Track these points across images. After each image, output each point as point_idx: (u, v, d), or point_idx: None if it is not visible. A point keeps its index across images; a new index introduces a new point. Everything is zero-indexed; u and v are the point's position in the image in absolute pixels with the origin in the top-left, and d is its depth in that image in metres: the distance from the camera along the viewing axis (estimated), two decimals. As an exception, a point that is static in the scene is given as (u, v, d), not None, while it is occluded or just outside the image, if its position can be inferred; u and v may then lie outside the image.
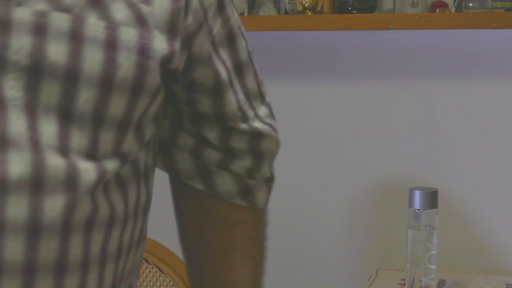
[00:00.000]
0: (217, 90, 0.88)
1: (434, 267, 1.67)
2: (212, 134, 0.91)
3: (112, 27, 0.76)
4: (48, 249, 0.74)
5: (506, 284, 1.85)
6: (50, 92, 0.74)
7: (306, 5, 1.95)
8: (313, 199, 2.12)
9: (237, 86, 0.90)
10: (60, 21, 0.74)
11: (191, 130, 0.92)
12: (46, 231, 0.73)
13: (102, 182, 0.77)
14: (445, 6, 1.95)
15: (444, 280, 1.86)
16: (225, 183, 0.93)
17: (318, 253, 2.12)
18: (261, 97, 0.95)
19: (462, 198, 2.03)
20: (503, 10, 1.91)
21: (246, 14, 2.06)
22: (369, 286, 1.85)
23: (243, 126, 0.91)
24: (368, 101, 2.06)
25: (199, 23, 0.84)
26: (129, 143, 0.80)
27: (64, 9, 0.74)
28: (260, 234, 0.98)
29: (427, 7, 1.96)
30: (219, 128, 0.90)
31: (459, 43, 1.99)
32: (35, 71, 0.73)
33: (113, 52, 0.76)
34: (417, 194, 1.66)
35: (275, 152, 0.96)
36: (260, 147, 0.93)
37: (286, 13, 2.07)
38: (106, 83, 0.76)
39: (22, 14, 0.73)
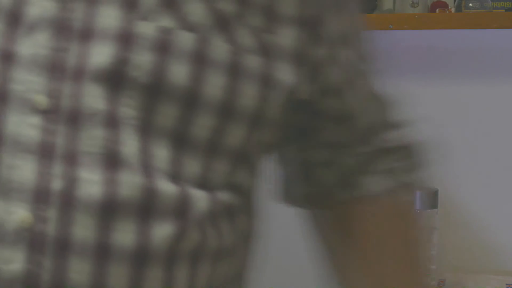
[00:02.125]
0: (347, 119, 0.84)
1: (434, 267, 1.67)
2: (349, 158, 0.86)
3: (237, 52, 0.72)
4: (153, 279, 0.69)
5: (506, 284, 1.85)
6: (167, 114, 0.70)
7: (306, 5, 1.95)
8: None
9: (370, 110, 0.87)
10: (185, 40, 0.70)
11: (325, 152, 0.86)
12: (152, 259, 0.68)
13: (212, 212, 0.73)
14: (445, 6, 1.95)
15: (444, 280, 1.86)
16: (375, 182, 0.88)
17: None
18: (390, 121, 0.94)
19: (462, 198, 2.02)
20: (503, 10, 1.91)
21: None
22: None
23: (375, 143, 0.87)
24: (368, 101, 2.05)
25: (329, 52, 0.79)
26: (243, 175, 0.76)
27: (190, 28, 0.70)
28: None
29: (427, 7, 1.96)
30: (351, 148, 0.86)
31: (459, 43, 1.99)
32: (153, 90, 0.69)
33: (236, 78, 0.71)
34: (417, 194, 1.66)
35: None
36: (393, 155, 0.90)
37: (286, 13, 2.06)
38: (226, 110, 0.71)
39: (145, 29, 0.69)
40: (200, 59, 0.70)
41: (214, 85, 0.70)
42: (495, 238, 2.01)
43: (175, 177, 0.70)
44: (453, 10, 1.92)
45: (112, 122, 0.68)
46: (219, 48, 0.71)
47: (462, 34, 1.97)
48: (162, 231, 0.68)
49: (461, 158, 2.02)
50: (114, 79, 0.68)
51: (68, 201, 0.66)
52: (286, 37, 0.75)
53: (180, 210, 0.70)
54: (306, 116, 0.82)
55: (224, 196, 0.74)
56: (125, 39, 0.69)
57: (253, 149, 0.76)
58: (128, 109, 0.69)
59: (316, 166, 0.87)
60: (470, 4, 1.88)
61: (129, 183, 0.68)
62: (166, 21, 0.70)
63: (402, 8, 1.96)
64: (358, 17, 0.86)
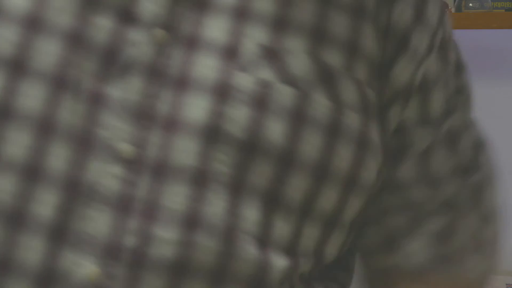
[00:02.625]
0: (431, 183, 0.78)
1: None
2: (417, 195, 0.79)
3: (338, 109, 0.66)
4: None
5: (506, 284, 1.85)
6: (260, 173, 0.64)
7: (306, 5, 1.95)
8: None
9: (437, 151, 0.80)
10: (284, 95, 0.65)
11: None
12: None
13: (291, 280, 0.68)
14: (445, 6, 1.95)
15: (444, 280, 1.86)
16: (419, 251, 0.80)
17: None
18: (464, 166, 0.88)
19: (462, 198, 2.02)
20: (503, 10, 1.92)
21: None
22: (369, 286, 1.85)
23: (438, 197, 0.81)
24: (368, 101, 2.06)
25: (394, 95, 0.73)
26: (332, 244, 0.70)
27: (291, 82, 0.65)
28: None
29: (427, 7, 1.97)
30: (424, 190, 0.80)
31: (459, 43, 1.99)
32: (248, 147, 0.64)
33: (334, 138, 0.66)
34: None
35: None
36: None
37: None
38: (321, 171, 0.66)
39: (244, 81, 0.65)
40: (299, 117, 0.65)
41: (311, 144, 0.66)
42: (495, 238, 2.01)
43: (260, 240, 0.65)
44: (453, 10, 1.92)
45: (200, 178, 0.64)
46: (320, 105, 0.66)
47: (462, 34, 1.97)
48: None
49: (461, 158, 2.02)
50: (208, 133, 0.64)
51: (139, 260, 0.63)
52: (372, 89, 0.70)
53: (257, 277, 0.65)
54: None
55: (307, 263, 0.68)
56: (222, 91, 0.65)
57: (344, 215, 0.70)
58: (220, 165, 0.64)
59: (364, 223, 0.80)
60: (470, 4, 1.88)
61: (206, 247, 0.63)
62: (266, 74, 0.65)
63: (402, 8, 1.96)
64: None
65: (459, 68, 0.81)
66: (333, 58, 0.67)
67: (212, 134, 0.64)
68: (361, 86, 0.68)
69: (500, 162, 2.05)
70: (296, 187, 0.66)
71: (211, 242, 0.63)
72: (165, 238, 0.63)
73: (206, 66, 0.65)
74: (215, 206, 0.64)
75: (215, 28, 0.66)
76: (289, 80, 0.66)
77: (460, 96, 0.81)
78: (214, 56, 0.65)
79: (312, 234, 0.68)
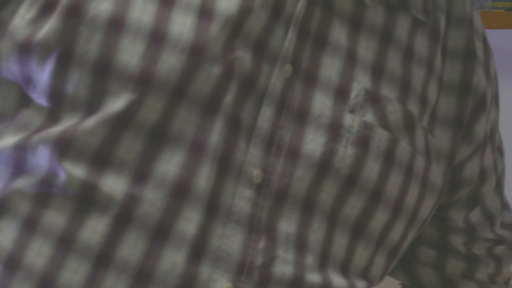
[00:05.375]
0: (475, 204, 0.86)
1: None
2: (457, 242, 0.87)
3: (414, 154, 0.74)
4: None
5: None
6: (354, 206, 0.72)
7: (306, 5, 1.95)
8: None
9: (493, 197, 0.88)
10: (382, 138, 0.72)
11: (433, 240, 0.88)
12: None
13: None
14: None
15: (445, 280, 1.86)
16: None
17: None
18: (505, 203, 0.92)
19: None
20: (503, 10, 1.92)
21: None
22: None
23: (490, 234, 0.88)
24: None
25: (474, 149, 0.82)
26: (385, 269, 0.78)
27: (387, 127, 0.73)
28: None
29: (427, 7, 1.97)
30: (465, 237, 0.87)
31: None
32: (350, 182, 0.71)
33: (410, 179, 0.74)
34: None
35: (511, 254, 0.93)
36: (498, 252, 0.89)
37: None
38: (398, 207, 0.74)
39: (352, 122, 0.71)
40: (389, 158, 0.72)
41: (395, 184, 0.73)
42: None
43: (345, 266, 0.72)
44: (453, 10, 1.93)
45: (309, 206, 0.70)
46: (404, 149, 0.73)
47: (462, 34, 1.97)
48: None
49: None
50: (322, 166, 0.70)
51: (265, 277, 0.68)
52: (441, 139, 0.78)
53: None
54: (437, 209, 0.85)
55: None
56: (335, 129, 0.71)
57: (404, 246, 0.78)
58: (327, 196, 0.70)
59: (420, 265, 0.89)
60: (470, 4, 1.88)
61: (312, 269, 0.69)
62: (369, 117, 0.72)
63: (402, 8, 1.96)
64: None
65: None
66: (414, 107, 0.75)
67: (324, 167, 0.70)
68: (426, 133, 0.76)
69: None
70: (379, 220, 0.73)
71: (313, 265, 0.70)
72: (285, 258, 0.68)
73: (323, 104, 0.71)
74: (317, 233, 0.70)
75: (331, 68, 0.72)
76: (386, 124, 0.73)
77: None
78: (329, 96, 0.71)
79: (381, 262, 0.76)
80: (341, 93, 0.72)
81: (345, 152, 0.71)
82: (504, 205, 0.91)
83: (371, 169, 0.72)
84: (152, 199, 0.66)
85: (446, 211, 0.85)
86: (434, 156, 0.77)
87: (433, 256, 0.88)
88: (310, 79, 0.71)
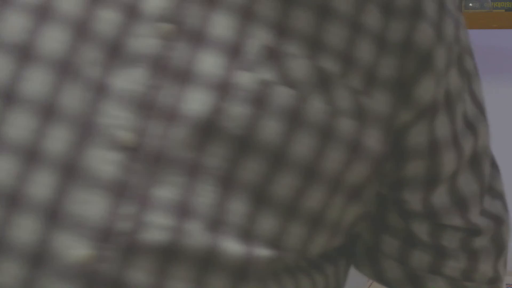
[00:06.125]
0: (432, 184, 0.77)
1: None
2: (421, 231, 0.79)
3: (333, 114, 0.68)
4: None
5: (506, 284, 1.85)
6: (251, 169, 0.67)
7: (306, 5, 1.95)
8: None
9: (464, 176, 0.79)
10: (283, 96, 0.67)
11: (396, 228, 0.80)
12: None
13: (272, 270, 0.70)
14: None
15: (444, 280, 1.86)
16: None
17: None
18: (493, 189, 0.83)
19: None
20: (503, 10, 1.92)
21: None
22: (369, 286, 1.85)
23: (460, 222, 0.79)
24: (367, 101, 2.06)
25: (418, 114, 0.74)
26: (317, 243, 0.72)
27: (290, 84, 0.67)
28: None
29: (427, 7, 1.97)
30: (429, 225, 0.79)
31: (459, 43, 2.00)
32: (243, 143, 0.66)
33: (326, 141, 0.68)
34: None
35: (494, 249, 0.82)
36: (475, 245, 0.80)
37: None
38: (310, 172, 0.68)
39: (245, 80, 0.67)
40: (294, 118, 0.68)
41: (303, 145, 0.68)
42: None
43: (245, 234, 0.68)
44: (453, 10, 1.93)
45: (193, 170, 0.66)
46: (316, 108, 0.68)
47: (462, 34, 1.97)
48: (219, 284, 0.66)
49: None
50: (206, 127, 0.66)
51: (132, 244, 0.64)
52: (381, 101, 0.72)
53: (240, 268, 0.67)
54: (386, 187, 0.78)
55: (291, 257, 0.70)
56: (223, 88, 0.67)
57: (329, 216, 0.72)
58: (214, 159, 0.66)
59: (384, 257, 0.83)
60: (470, 4, 1.88)
61: (195, 235, 0.66)
62: (267, 74, 0.67)
63: (402, 8, 1.97)
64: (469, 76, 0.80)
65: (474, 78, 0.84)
66: (331, 64, 0.70)
67: (209, 128, 0.66)
68: (356, 94, 0.70)
69: (500, 162, 2.06)
70: (284, 185, 0.68)
71: (198, 231, 0.65)
72: (158, 224, 0.65)
73: (209, 63, 0.67)
74: (205, 197, 0.66)
75: (222, 26, 0.68)
76: (288, 81, 0.68)
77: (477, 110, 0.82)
78: (219, 53, 0.67)
79: (297, 231, 0.70)
80: (234, 51, 0.68)
81: (236, 112, 0.66)
82: (491, 192, 0.82)
83: (271, 129, 0.67)
84: (1, 165, 0.64)
85: (401, 192, 0.78)
86: (372, 120, 0.71)
87: (397, 247, 0.81)
88: (197, 39, 0.67)
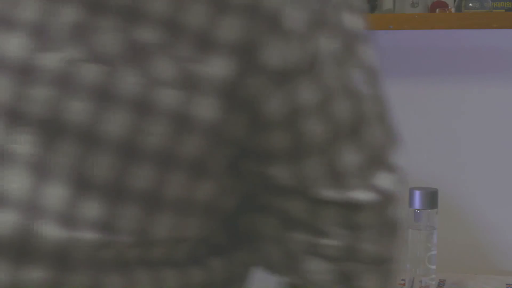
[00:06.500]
0: (301, 156, 0.72)
1: (434, 267, 1.67)
2: (296, 208, 0.73)
3: (149, 85, 0.65)
4: None
5: (506, 284, 1.85)
6: (65, 152, 0.65)
7: (306, 5, 1.95)
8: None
9: (342, 146, 0.73)
10: (89, 73, 0.65)
11: (271, 207, 0.75)
12: None
13: (102, 261, 0.68)
14: (445, 6, 1.95)
15: (444, 280, 1.86)
16: (320, 271, 0.75)
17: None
18: (385, 161, 0.76)
19: (462, 198, 2.02)
20: (503, 10, 1.91)
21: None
22: (369, 286, 1.85)
23: (337, 196, 0.73)
24: (368, 101, 2.06)
25: (269, 79, 0.69)
26: (159, 224, 0.69)
27: (98, 60, 0.65)
28: None
29: (427, 7, 1.96)
30: (303, 201, 0.73)
31: (459, 43, 1.99)
32: (51, 127, 0.65)
33: (143, 115, 0.66)
34: (417, 194, 1.66)
35: (382, 227, 0.75)
36: (357, 222, 0.74)
37: (286, 13, 2.06)
38: (130, 149, 0.66)
39: (48, 61, 0.65)
40: (102, 94, 0.65)
41: (116, 122, 0.65)
42: (495, 238, 2.01)
43: (67, 219, 0.65)
44: (453, 10, 1.92)
45: (3, 157, 0.65)
46: (127, 82, 0.65)
47: (462, 34, 1.97)
48: (36, 275, 0.64)
49: (461, 158, 2.02)
50: (10, 113, 0.65)
51: None
52: (216, 67, 0.68)
53: (63, 254, 0.65)
54: (246, 160, 0.73)
55: (128, 241, 0.68)
56: (26, 72, 0.65)
57: (165, 194, 0.68)
58: (24, 145, 0.65)
59: (262, 239, 0.77)
60: (470, 4, 1.88)
61: (9, 223, 0.64)
62: (73, 52, 0.65)
63: (402, 8, 1.96)
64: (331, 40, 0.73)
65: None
66: (149, 34, 0.67)
67: (14, 114, 0.65)
68: (182, 62, 0.67)
69: (500, 162, 2.05)
70: (103, 166, 0.65)
71: (13, 218, 0.64)
72: None
73: (13, 45, 0.66)
74: (19, 184, 0.65)
75: (28, 8, 0.67)
76: (96, 58, 0.66)
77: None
78: (23, 36, 0.66)
79: (129, 212, 0.67)
80: (38, 32, 0.66)
81: (39, 95, 0.64)
82: (380, 164, 0.75)
83: (78, 109, 0.64)
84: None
85: (269, 166, 0.73)
86: (206, 88, 0.67)
87: (274, 228, 0.75)
88: (5, 23, 0.66)
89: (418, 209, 1.66)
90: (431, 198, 1.66)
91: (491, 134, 1.99)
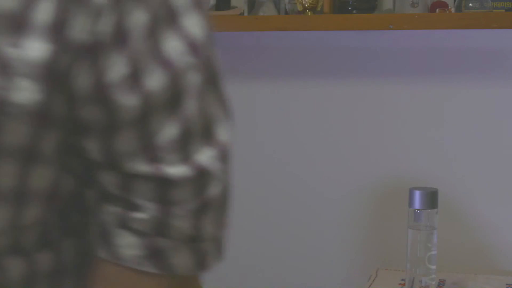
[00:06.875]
0: (112, 130, 0.72)
1: (434, 267, 1.67)
2: (109, 182, 0.73)
3: None
4: None
5: (506, 284, 1.85)
6: None
7: (306, 5, 1.95)
8: (313, 199, 2.12)
9: (157, 119, 0.72)
10: None
11: (86, 181, 0.75)
12: None
13: None
14: (445, 6, 1.95)
15: (444, 280, 1.86)
16: (129, 245, 0.74)
17: (318, 253, 2.12)
18: (208, 136, 0.74)
19: (462, 198, 2.03)
20: (503, 10, 1.92)
21: (246, 14, 2.06)
22: (369, 286, 1.85)
23: (146, 169, 0.72)
24: (368, 101, 2.06)
25: (75, 54, 0.69)
26: (31, 215, 0.71)
27: None
28: None
29: (427, 7, 1.97)
30: (116, 175, 0.73)
31: (459, 43, 1.99)
32: None
33: None
34: (417, 194, 1.66)
35: (197, 204, 0.74)
36: (170, 197, 0.73)
37: (286, 13, 2.07)
38: None
39: None
40: None
41: None
42: (495, 238, 2.02)
43: None
44: (453, 10, 1.92)
45: None
46: None
47: (462, 34, 1.97)
48: None
49: (461, 158, 2.02)
50: None
51: None
52: (34, 49, 0.68)
53: None
54: (70, 137, 0.72)
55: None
56: None
57: (10, 186, 0.69)
58: None
59: (82, 213, 0.77)
60: (470, 4, 1.88)
61: None
62: None
63: (402, 8, 1.96)
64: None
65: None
66: None
67: None
68: (1, 47, 0.67)
69: (500, 162, 2.05)
70: None
71: None
72: None
73: None
74: None
75: None
76: None
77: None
78: None
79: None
80: None
81: None
82: (203, 139, 0.73)
83: None
84: None
85: (82, 140, 0.72)
86: (24, 71, 0.67)
87: (94, 201, 0.75)
88: None
89: (418, 209, 1.66)
90: (431, 198, 1.66)
91: (492, 134, 2.00)
